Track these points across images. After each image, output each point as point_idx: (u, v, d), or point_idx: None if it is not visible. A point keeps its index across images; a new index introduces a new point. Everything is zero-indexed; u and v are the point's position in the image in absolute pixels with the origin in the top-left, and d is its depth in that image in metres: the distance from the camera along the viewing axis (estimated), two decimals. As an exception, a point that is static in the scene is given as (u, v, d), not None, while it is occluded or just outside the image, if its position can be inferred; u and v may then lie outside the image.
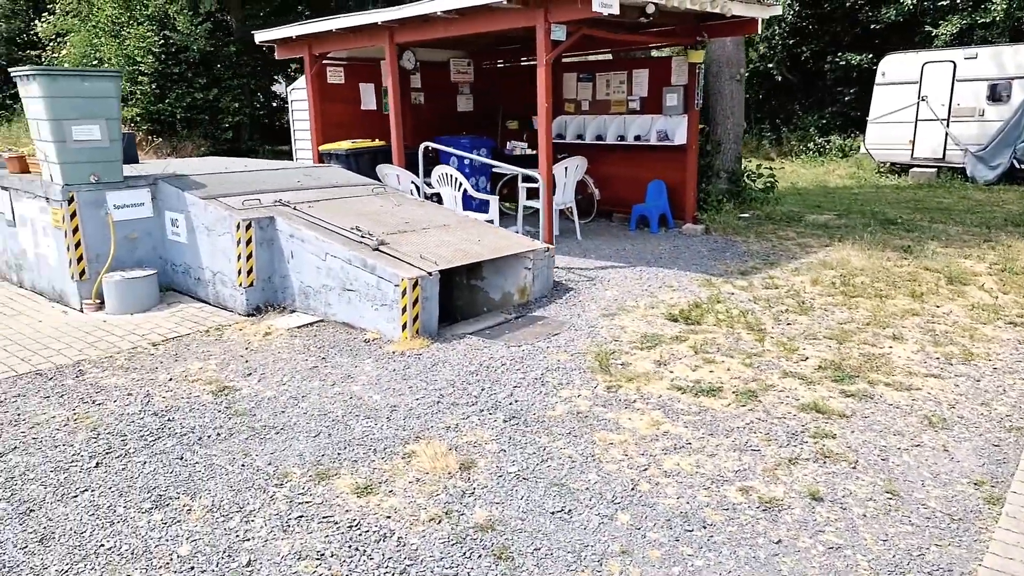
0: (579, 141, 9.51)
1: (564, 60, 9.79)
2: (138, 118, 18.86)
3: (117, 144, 6.32)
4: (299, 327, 5.64)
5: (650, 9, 6.16)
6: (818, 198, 12.03)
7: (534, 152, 9.07)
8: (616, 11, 5.88)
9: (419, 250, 5.60)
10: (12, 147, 7.86)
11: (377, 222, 6.16)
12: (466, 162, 9.05)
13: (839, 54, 19.61)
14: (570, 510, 3.05)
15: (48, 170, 6.19)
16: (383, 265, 5.23)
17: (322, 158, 8.71)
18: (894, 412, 3.94)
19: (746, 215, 9.29)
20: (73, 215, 6.11)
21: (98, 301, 6.25)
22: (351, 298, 5.53)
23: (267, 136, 23.83)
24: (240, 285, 5.97)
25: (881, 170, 15.67)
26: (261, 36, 9.04)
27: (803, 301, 5.73)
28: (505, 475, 3.29)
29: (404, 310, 5.12)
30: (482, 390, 4.27)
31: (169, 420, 4.05)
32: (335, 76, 9.25)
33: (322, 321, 5.76)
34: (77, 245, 6.16)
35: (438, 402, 4.14)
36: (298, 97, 9.83)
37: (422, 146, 7.24)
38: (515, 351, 4.94)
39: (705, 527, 2.95)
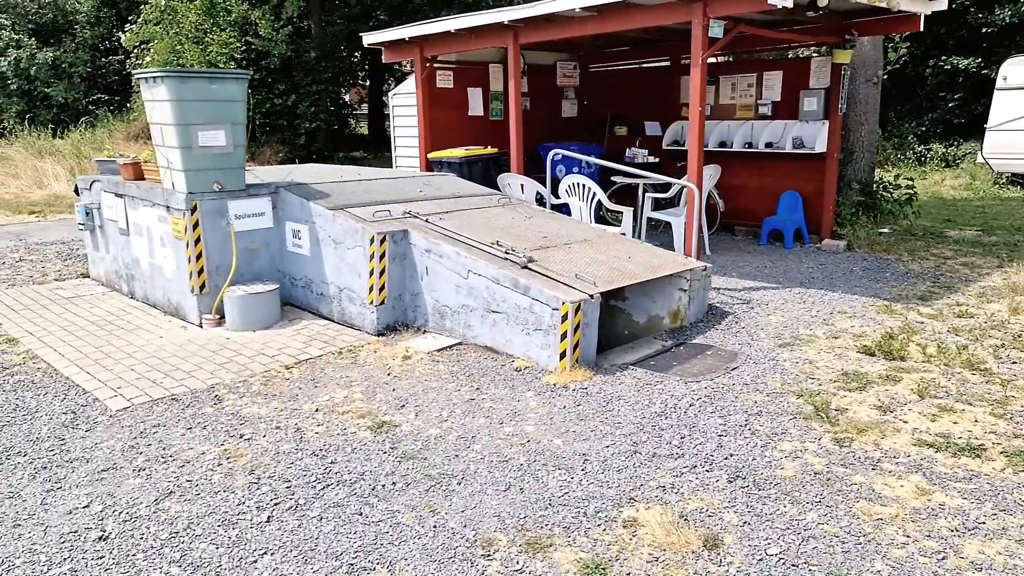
0: (699, 148, 8.85)
1: (683, 62, 9.18)
2: (218, 123, 18.92)
3: (241, 150, 5.98)
4: (439, 350, 5.16)
5: (823, 2, 5.51)
6: (942, 211, 11.08)
7: (656, 160, 8.50)
8: (790, 4, 5.26)
9: (570, 268, 5.06)
10: (123, 153, 7.66)
11: (514, 236, 5.65)
12: (585, 170, 8.51)
13: (943, 57, 18.42)
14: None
15: (170, 177, 5.88)
16: (538, 285, 4.71)
17: (431, 166, 8.29)
18: None
19: (885, 230, 8.50)
20: (196, 225, 5.78)
21: (218, 316, 5.91)
22: (496, 320, 5.03)
23: (339, 143, 23.82)
24: (371, 303, 5.54)
25: (999, 181, 14.51)
26: (371, 38, 8.69)
27: (1018, 334, 4.99)
28: (766, 559, 2.70)
29: (564, 337, 4.58)
30: (682, 438, 3.69)
31: (332, 463, 3.59)
32: (444, 80, 8.83)
33: (461, 344, 5.28)
34: (198, 257, 5.83)
35: (635, 452, 3.58)
36: (400, 103, 9.47)
37: (551, 153, 6.74)
38: (696, 388, 4.35)
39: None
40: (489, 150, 8.27)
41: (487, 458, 3.58)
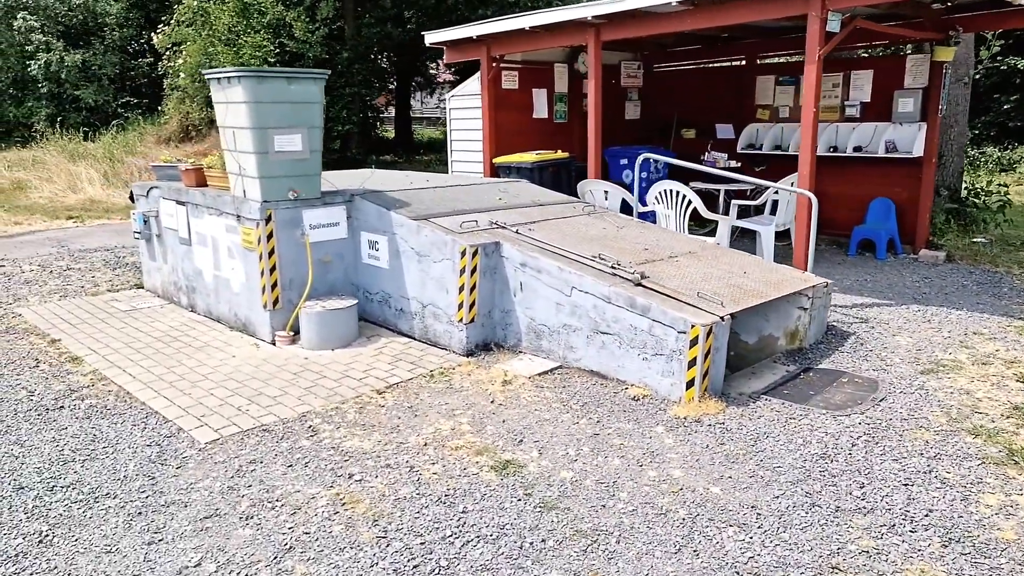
0: (777, 152, 8.39)
1: (759, 61, 8.71)
2: (251, 126, 18.62)
3: (317, 156, 5.58)
4: (540, 374, 4.73)
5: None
6: (1020, 217, 10.52)
7: (738, 164, 8.04)
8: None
9: (686, 285, 4.61)
10: (185, 158, 7.32)
11: (614, 249, 5.22)
12: (655, 175, 8.07)
13: (997, 58, 17.78)
14: None
15: (242, 185, 5.50)
16: (659, 305, 4.26)
17: (496, 172, 7.88)
18: None
19: (980, 239, 7.98)
20: (270, 236, 5.40)
21: (292, 333, 5.51)
22: (605, 343, 4.59)
23: (368, 146, 23.49)
24: (459, 320, 5.12)
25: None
26: (433, 37, 8.28)
27: None
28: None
29: (691, 364, 4.14)
30: (861, 487, 3.24)
31: (463, 512, 3.16)
32: (509, 81, 8.42)
33: (561, 367, 4.85)
34: (272, 270, 5.44)
35: (812, 504, 3.13)
36: (458, 105, 9.07)
37: (641, 156, 6.29)
38: (849, 424, 3.89)
39: None
40: (559, 154, 7.84)
41: (639, 510, 3.14)
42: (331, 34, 19.94)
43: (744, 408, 4.11)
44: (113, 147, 18.73)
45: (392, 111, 30.58)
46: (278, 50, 18.18)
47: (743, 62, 9.08)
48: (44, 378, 4.92)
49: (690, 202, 6.16)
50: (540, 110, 8.73)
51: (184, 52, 19.53)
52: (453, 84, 28.78)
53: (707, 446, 3.68)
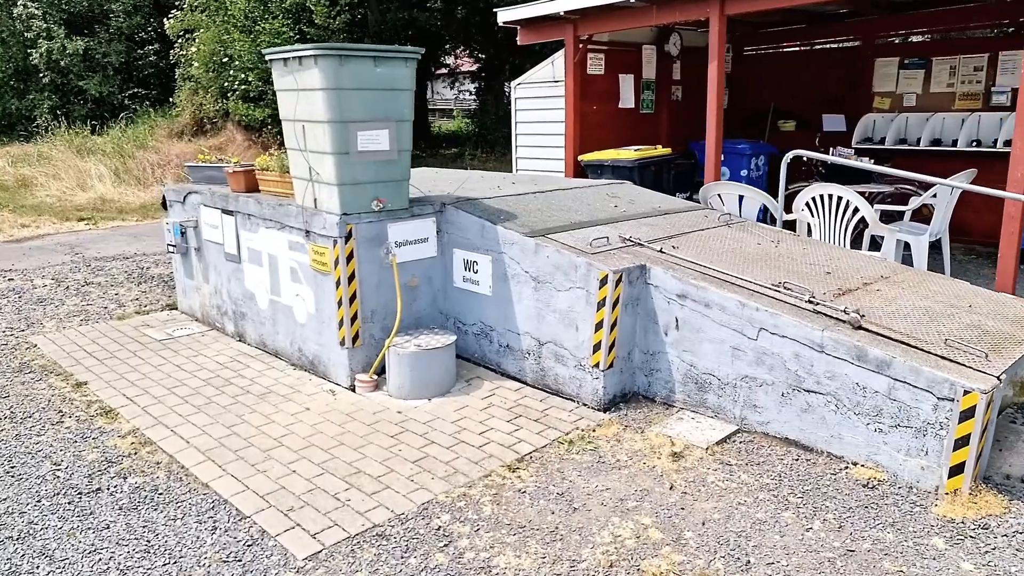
0: (900, 147, 7.28)
1: (879, 41, 7.58)
2: (269, 120, 17.57)
3: (406, 157, 4.49)
4: (718, 443, 3.65)
5: None
6: None
7: (871, 160, 6.91)
8: None
9: (916, 327, 3.51)
10: (225, 156, 6.23)
11: (787, 272, 4.12)
12: (754, 172, 6.97)
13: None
14: None
15: (312, 192, 4.41)
16: (905, 360, 3.17)
17: (583, 171, 6.78)
18: None
19: None
20: (350, 257, 4.31)
21: (375, 376, 4.43)
22: (811, 404, 3.50)
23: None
24: (594, 366, 4.03)
25: None
26: (508, 15, 7.14)
27: None
28: None
29: (960, 443, 3.05)
30: None
31: None
32: (595, 65, 7.28)
33: (740, 431, 3.76)
34: (352, 298, 4.35)
35: None
36: (525, 95, 7.94)
37: (790, 155, 5.19)
38: None
39: None
40: (659, 150, 6.73)
41: None
42: (353, 21, 18.79)
43: (1028, 502, 3.03)
44: (122, 141, 17.58)
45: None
46: (297, 36, 17.05)
47: (858, 42, 7.93)
48: (72, 441, 3.85)
49: (856, 210, 5.06)
50: (626, 99, 7.59)
51: (197, 40, 18.39)
52: (475, 75, 27.57)
53: (1020, 572, 2.61)
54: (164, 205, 6.09)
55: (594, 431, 3.83)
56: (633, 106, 7.64)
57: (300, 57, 4.11)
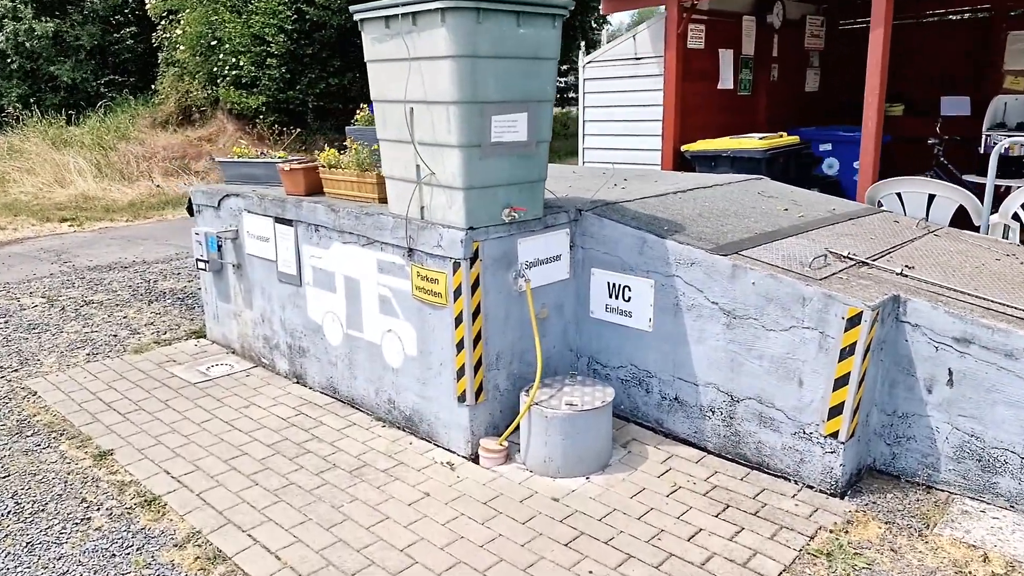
0: (1036, 134, 6.31)
1: (1013, 13, 6.58)
2: (264, 108, 16.22)
3: (544, 150, 3.38)
4: (1035, 551, 2.63)
5: None
6: None
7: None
8: None
9: None
10: (259, 150, 5.01)
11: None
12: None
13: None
14: None
15: (420, 198, 3.28)
16: None
17: (687, 163, 5.71)
18: None
19: None
20: (475, 284, 3.20)
21: (505, 444, 3.34)
22: None
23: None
24: (829, 435, 2.97)
25: None
26: (595, -21, 6.03)
27: None
28: None
29: None
30: None
31: None
32: (695, 39, 6.18)
33: (1046, 527, 2.75)
34: (476, 340, 3.25)
35: None
36: (595, 75, 6.81)
37: (1005, 142, 4.15)
38: None
39: None
40: (787, 138, 5.67)
41: None
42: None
43: None
44: (102, 132, 16.12)
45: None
46: (295, 16, 15.72)
47: (988, 12, 6.91)
48: (108, 555, 2.72)
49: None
50: (726, 79, 6.50)
51: (183, 21, 16.93)
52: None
53: None
54: (190, 211, 4.90)
55: (846, 532, 2.78)
56: (732, 87, 6.57)
57: (415, 13, 2.98)
